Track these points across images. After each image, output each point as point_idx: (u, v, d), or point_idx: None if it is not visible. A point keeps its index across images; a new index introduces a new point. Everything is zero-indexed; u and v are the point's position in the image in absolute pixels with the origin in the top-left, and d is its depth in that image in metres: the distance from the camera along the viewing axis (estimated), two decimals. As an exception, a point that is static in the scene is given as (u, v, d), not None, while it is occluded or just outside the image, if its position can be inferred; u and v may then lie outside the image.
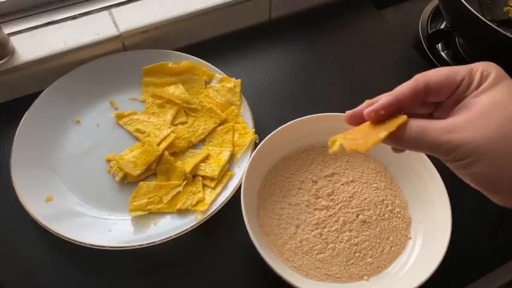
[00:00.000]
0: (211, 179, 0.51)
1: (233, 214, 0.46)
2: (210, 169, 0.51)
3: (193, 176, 0.51)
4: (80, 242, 0.45)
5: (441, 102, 0.31)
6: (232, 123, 0.55)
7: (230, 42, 0.67)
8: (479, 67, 0.29)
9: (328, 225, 0.46)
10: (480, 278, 0.46)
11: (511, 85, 0.28)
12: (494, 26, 0.49)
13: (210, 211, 0.47)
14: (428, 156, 0.46)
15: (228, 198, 0.48)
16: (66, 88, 0.57)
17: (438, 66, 0.64)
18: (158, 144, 0.53)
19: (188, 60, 0.60)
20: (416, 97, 0.30)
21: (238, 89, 0.57)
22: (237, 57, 0.65)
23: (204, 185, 0.50)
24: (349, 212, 0.46)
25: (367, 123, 0.31)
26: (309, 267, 0.44)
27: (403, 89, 0.30)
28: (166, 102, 0.58)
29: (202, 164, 0.52)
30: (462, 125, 0.27)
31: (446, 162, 0.29)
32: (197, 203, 0.49)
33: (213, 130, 0.55)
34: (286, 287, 0.40)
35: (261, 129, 0.54)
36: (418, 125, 0.28)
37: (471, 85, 0.29)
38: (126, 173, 0.51)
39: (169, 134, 0.54)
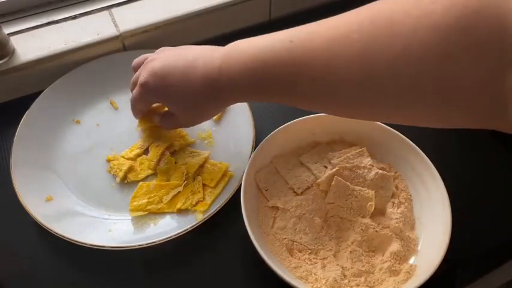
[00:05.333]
0: (211, 179, 0.51)
1: (233, 214, 0.46)
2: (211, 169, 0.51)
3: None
4: (80, 242, 0.45)
5: None
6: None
7: (230, 43, 0.67)
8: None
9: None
10: (480, 278, 0.46)
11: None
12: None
13: (210, 211, 0.47)
14: (430, 157, 0.46)
15: (228, 198, 0.48)
16: (66, 88, 0.57)
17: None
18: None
19: (188, 60, 0.60)
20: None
21: None
22: (237, 57, 0.65)
23: (204, 185, 0.50)
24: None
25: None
26: (309, 267, 0.44)
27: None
28: None
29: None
30: None
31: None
32: (197, 203, 0.49)
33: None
34: (286, 287, 0.40)
35: (261, 129, 0.54)
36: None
37: None
38: (126, 172, 0.52)
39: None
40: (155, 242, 0.45)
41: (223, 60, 0.39)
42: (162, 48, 0.47)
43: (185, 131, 0.55)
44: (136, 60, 0.49)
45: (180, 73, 0.41)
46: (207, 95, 0.41)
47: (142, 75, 0.44)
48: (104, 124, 0.57)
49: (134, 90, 0.46)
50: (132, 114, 0.51)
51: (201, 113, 0.45)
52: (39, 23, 0.61)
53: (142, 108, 0.49)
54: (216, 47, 0.43)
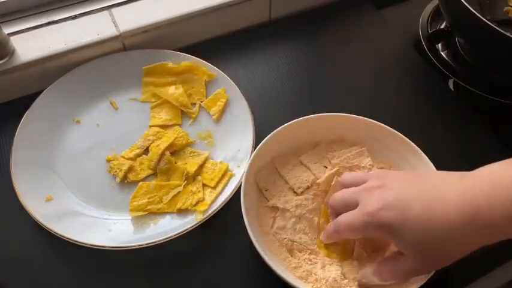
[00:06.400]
0: (211, 179, 0.51)
1: (233, 214, 0.46)
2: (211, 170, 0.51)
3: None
4: (80, 242, 0.45)
5: None
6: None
7: (230, 42, 0.67)
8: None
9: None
10: (480, 278, 0.46)
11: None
12: (494, 26, 0.49)
13: (210, 211, 0.47)
14: (429, 156, 0.46)
15: (228, 198, 0.48)
16: (66, 88, 0.57)
17: (438, 66, 0.64)
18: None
19: (188, 60, 0.60)
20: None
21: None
22: (237, 57, 0.65)
23: (204, 185, 0.51)
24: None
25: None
26: (309, 267, 0.44)
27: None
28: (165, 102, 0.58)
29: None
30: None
31: None
32: (197, 203, 0.49)
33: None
34: (286, 287, 0.40)
35: (261, 129, 0.54)
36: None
37: None
38: (126, 172, 0.52)
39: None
40: (155, 242, 0.45)
41: (489, 188, 0.33)
42: (380, 171, 0.41)
43: (185, 131, 0.55)
44: (349, 178, 0.43)
45: (420, 205, 0.35)
46: (465, 231, 0.34)
47: (372, 204, 0.37)
48: (104, 124, 0.57)
49: (352, 213, 0.39)
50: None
51: (449, 253, 0.36)
52: (39, 23, 0.61)
53: (350, 237, 0.42)
54: (452, 172, 0.38)
